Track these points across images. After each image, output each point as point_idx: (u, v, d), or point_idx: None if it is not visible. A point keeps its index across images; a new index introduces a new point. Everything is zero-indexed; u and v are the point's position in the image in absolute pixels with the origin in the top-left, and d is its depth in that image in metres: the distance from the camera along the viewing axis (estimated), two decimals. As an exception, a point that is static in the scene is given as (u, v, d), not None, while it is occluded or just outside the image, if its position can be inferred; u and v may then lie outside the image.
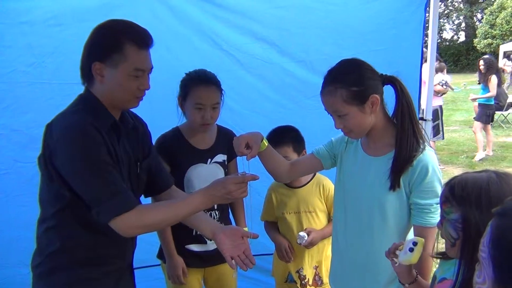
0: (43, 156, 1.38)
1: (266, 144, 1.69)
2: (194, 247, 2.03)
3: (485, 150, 7.39)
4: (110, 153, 1.37)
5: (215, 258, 2.04)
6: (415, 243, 1.28)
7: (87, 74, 1.43)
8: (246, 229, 2.14)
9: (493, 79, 7.33)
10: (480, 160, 7.12)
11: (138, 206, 1.37)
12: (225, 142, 2.02)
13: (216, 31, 2.49)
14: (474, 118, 7.81)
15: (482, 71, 7.56)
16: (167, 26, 2.42)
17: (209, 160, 2.01)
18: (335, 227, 1.74)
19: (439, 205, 1.37)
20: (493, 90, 7.36)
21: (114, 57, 1.37)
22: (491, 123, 7.84)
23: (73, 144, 1.32)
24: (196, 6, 2.42)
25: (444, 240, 1.22)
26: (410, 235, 1.55)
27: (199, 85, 1.91)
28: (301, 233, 2.04)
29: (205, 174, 1.98)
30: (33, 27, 2.18)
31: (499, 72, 7.88)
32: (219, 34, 2.49)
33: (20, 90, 2.24)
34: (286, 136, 2.08)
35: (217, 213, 2.04)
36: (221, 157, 2.04)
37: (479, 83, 8.01)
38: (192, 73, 1.98)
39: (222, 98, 1.98)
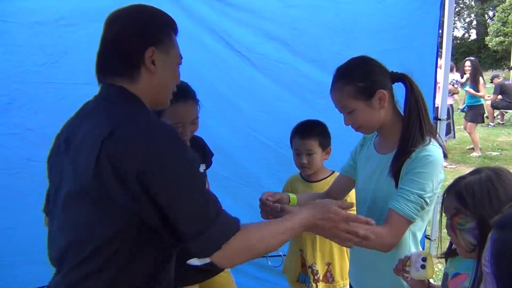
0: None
1: (295, 198, 1.73)
2: (195, 262, 1.99)
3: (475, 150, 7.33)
4: None
5: (215, 268, 2.03)
6: (424, 259, 1.24)
7: (131, 65, 1.08)
8: None
9: (480, 80, 7.33)
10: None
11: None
12: (198, 151, 1.94)
13: (227, 31, 2.47)
14: (465, 118, 7.59)
15: (470, 73, 7.47)
16: (179, 26, 2.39)
17: None
18: None
19: (422, 200, 1.36)
20: (482, 90, 7.37)
21: (166, 41, 1.12)
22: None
23: None
24: (207, 5, 2.40)
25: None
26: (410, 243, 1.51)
27: (175, 103, 1.49)
28: None
29: None
30: (45, 27, 2.18)
31: (481, 73, 7.71)
32: (230, 34, 2.47)
33: (32, 89, 2.23)
34: (313, 130, 2.09)
35: None
36: (201, 168, 1.94)
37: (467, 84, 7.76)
38: None
39: (199, 109, 1.77)
